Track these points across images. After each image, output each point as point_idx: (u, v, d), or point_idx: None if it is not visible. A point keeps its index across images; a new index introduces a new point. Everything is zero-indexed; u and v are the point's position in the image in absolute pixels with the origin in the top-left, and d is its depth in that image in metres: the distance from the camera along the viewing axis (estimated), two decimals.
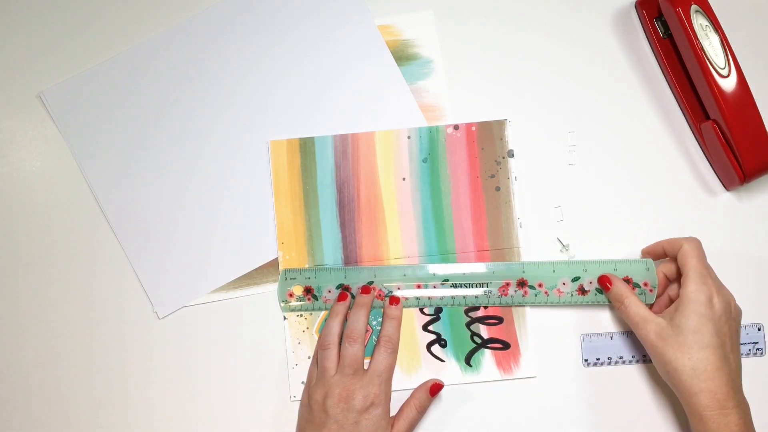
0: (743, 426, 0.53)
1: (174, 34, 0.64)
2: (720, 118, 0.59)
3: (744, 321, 0.62)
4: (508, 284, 0.61)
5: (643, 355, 0.61)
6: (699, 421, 0.54)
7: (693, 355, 0.54)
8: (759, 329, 0.62)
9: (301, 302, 0.62)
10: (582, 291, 0.61)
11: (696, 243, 0.58)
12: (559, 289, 0.61)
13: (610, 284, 0.59)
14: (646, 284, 0.61)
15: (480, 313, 0.62)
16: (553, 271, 0.61)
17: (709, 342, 0.54)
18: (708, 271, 0.56)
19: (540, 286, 0.61)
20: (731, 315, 0.55)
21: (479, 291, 0.61)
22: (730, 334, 0.55)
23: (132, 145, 0.63)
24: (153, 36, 0.64)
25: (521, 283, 0.61)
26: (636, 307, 0.57)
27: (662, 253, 0.60)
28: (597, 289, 0.61)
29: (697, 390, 0.53)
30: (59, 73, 0.64)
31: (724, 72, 0.58)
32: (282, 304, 0.62)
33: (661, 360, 0.56)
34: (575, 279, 0.61)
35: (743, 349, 0.61)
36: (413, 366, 0.62)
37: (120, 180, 0.63)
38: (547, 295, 0.61)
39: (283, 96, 0.64)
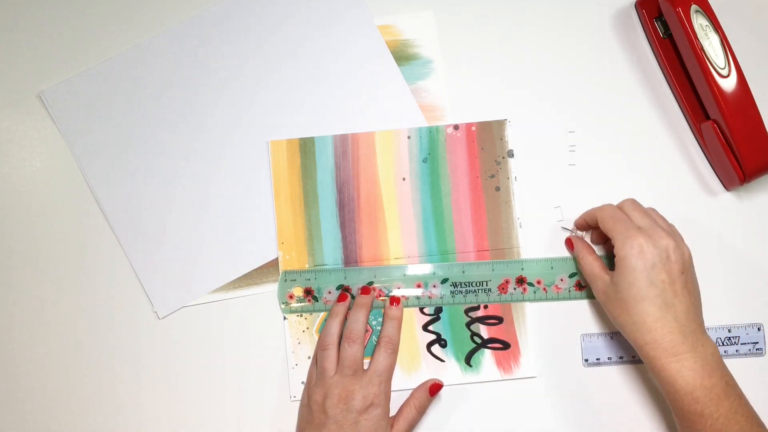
0: (699, 369, 0.51)
1: (174, 34, 0.64)
2: (720, 118, 0.59)
3: (744, 321, 0.62)
4: (507, 282, 0.62)
5: None
6: (653, 373, 0.53)
7: (631, 310, 0.53)
8: (759, 329, 0.62)
9: (302, 304, 0.62)
10: (579, 287, 0.62)
11: (606, 209, 0.57)
12: (557, 286, 0.62)
13: (572, 246, 0.61)
14: None
15: (480, 313, 0.62)
16: (551, 268, 0.62)
17: (645, 294, 0.53)
18: (631, 224, 0.55)
19: (538, 283, 0.62)
20: (670, 259, 0.54)
21: (479, 289, 0.61)
22: (670, 280, 0.53)
23: (132, 145, 0.63)
24: (153, 36, 0.64)
25: (520, 281, 0.62)
26: (589, 265, 0.58)
27: (587, 226, 0.61)
28: None
29: (642, 343, 0.53)
30: (59, 73, 0.64)
31: (724, 72, 0.58)
32: (282, 306, 0.62)
33: (610, 317, 0.56)
34: (572, 275, 0.62)
35: (743, 349, 0.61)
36: (413, 366, 0.62)
37: (120, 180, 0.63)
38: (546, 292, 0.62)
39: (283, 96, 0.64)
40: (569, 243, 0.62)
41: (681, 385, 0.52)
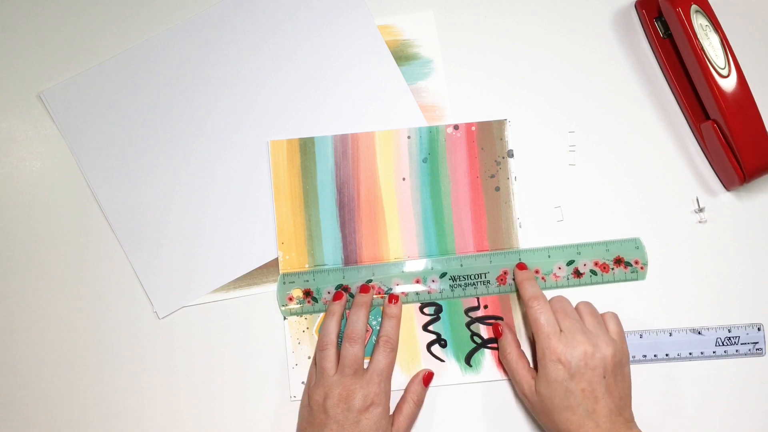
0: None
1: (174, 35, 0.64)
2: (720, 118, 0.59)
3: (744, 321, 0.62)
4: (505, 273, 0.62)
5: (643, 355, 0.61)
6: None
7: (554, 418, 0.54)
8: (759, 329, 0.62)
9: (301, 305, 0.62)
10: (577, 274, 0.62)
11: (534, 308, 0.57)
12: (555, 274, 0.62)
13: (500, 334, 0.60)
14: (637, 262, 0.62)
15: (480, 312, 0.62)
16: (549, 257, 0.62)
17: (566, 404, 0.54)
18: (552, 329, 0.56)
19: (537, 272, 0.62)
20: (588, 366, 0.54)
21: (477, 281, 0.61)
22: (590, 388, 0.54)
23: (132, 145, 0.63)
24: (153, 36, 0.64)
25: None
26: (515, 363, 0.58)
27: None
28: (591, 271, 0.62)
29: None
30: (59, 73, 0.64)
31: (724, 72, 0.58)
32: (282, 308, 0.62)
33: (537, 418, 0.57)
34: (570, 263, 0.62)
35: (743, 349, 0.61)
36: (413, 366, 0.62)
37: (120, 180, 0.63)
38: (545, 281, 0.62)
39: (284, 96, 0.64)
40: (497, 329, 0.61)
41: None
